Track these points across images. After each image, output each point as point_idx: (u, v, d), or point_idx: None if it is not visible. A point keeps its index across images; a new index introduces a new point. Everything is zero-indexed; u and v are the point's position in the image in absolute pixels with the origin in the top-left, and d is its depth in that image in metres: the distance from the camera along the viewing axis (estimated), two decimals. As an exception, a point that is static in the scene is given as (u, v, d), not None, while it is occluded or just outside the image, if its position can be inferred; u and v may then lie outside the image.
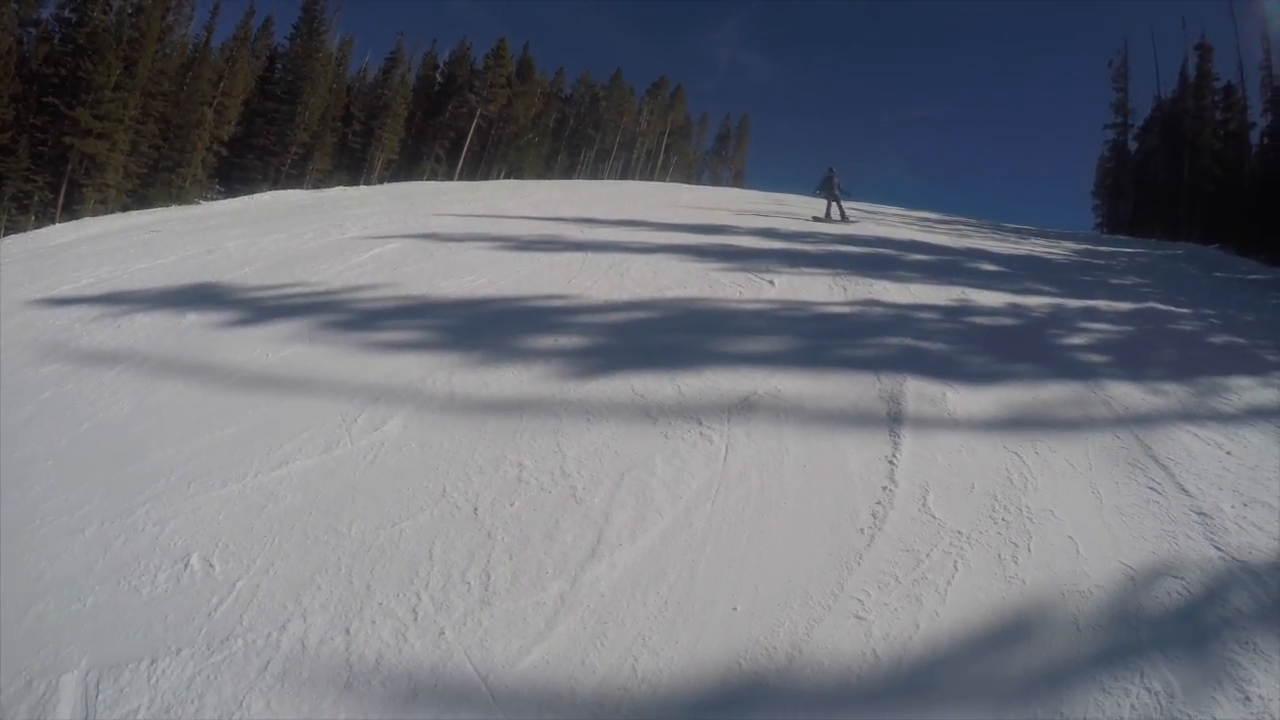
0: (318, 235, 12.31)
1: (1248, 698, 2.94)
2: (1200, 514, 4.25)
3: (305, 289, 8.69)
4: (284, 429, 5.09)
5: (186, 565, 3.67)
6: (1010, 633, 3.27)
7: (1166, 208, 37.81)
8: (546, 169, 58.09)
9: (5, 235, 26.15)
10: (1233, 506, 4.34)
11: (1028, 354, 7.07)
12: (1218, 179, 37.00)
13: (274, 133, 44.38)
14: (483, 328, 7.23)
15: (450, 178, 48.71)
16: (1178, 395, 6.18)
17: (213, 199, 35.82)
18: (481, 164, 53.41)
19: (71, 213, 32.25)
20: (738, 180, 78.32)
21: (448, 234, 12.40)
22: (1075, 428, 5.41)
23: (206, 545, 3.83)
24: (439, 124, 52.36)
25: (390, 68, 52.41)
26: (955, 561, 3.72)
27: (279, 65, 46.90)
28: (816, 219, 18.89)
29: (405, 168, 49.42)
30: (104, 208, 33.86)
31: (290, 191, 29.66)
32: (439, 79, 54.93)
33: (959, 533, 3.97)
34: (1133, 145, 46.47)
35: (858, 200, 24.02)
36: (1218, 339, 8.55)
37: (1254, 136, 37.90)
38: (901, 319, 8.04)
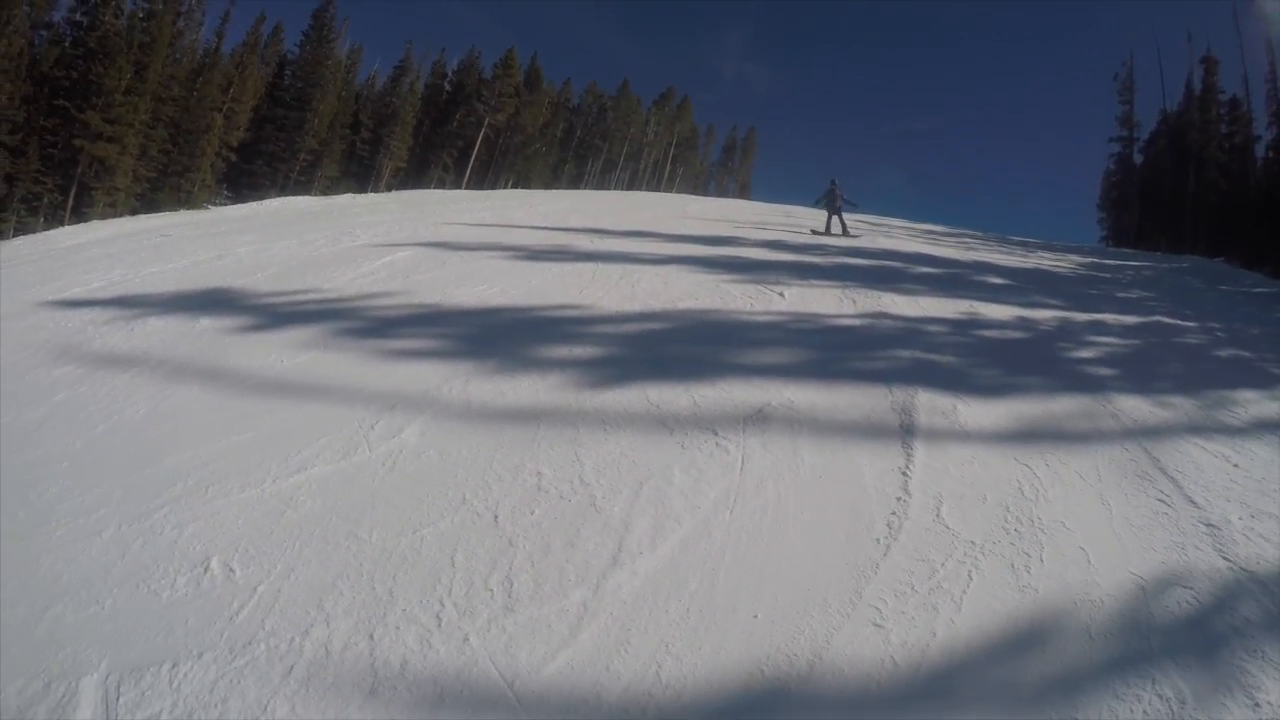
0: (329, 242, 12.30)
1: (1257, 704, 3.01)
2: (1208, 525, 4.31)
3: (318, 295, 8.70)
4: (301, 435, 5.08)
5: (206, 569, 3.67)
6: (1025, 640, 3.33)
7: (1172, 221, 37.84)
8: (554, 178, 58.23)
9: (14, 237, 26.33)
10: (1240, 518, 4.40)
11: (1036, 367, 7.14)
12: (1223, 192, 37.03)
13: (283, 139, 44.51)
14: (496, 336, 7.25)
15: (458, 186, 48.82)
16: (1185, 408, 6.25)
17: (221, 204, 35.93)
18: (489, 173, 53.50)
19: (80, 215, 32.36)
20: (743, 191, 78.71)
21: (459, 243, 12.41)
22: (1084, 440, 5.47)
23: (226, 549, 3.83)
24: (447, 132, 52.49)
25: (399, 76, 52.53)
26: (970, 571, 3.79)
27: (288, 72, 47.12)
28: (815, 232, 18.72)
29: (413, 176, 49.54)
30: (113, 211, 33.99)
31: (299, 198, 29.78)
32: (447, 88, 55.06)
33: (973, 543, 4.03)
34: (1138, 158, 46.53)
35: (863, 212, 24.07)
36: (1224, 352, 8.60)
37: (1259, 150, 38.02)
38: (911, 332, 8.11)
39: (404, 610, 3.43)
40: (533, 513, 4.24)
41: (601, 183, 65.01)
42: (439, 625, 3.35)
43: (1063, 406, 6.09)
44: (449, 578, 3.67)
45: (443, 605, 3.48)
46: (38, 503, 4.21)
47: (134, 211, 33.93)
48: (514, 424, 5.33)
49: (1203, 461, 5.18)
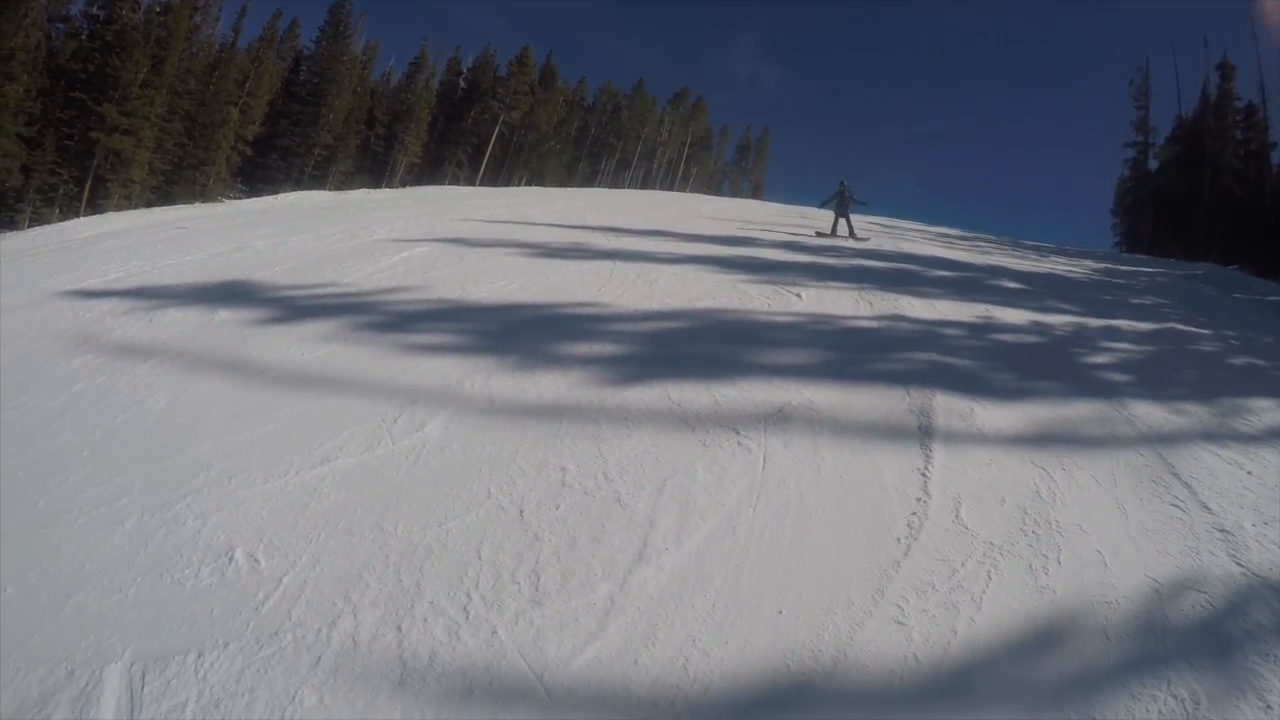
0: (345, 237, 12.28)
1: (1269, 706, 3.07)
2: (1222, 531, 4.37)
3: (337, 289, 8.71)
4: (323, 427, 5.08)
5: (230, 559, 3.68)
6: (1043, 640, 3.39)
7: (1186, 227, 37.71)
8: (568, 176, 58.28)
9: (30, 227, 26.50)
10: (1253, 524, 4.45)
11: (1052, 372, 7.17)
12: (1238, 199, 36.89)
13: (298, 134, 44.74)
14: (516, 333, 7.27)
15: (472, 183, 48.91)
16: (1199, 415, 6.28)
17: (235, 198, 36.00)
18: (503, 170, 53.63)
19: (95, 207, 32.59)
20: (756, 192, 78.66)
21: (476, 239, 12.40)
22: (1100, 445, 5.52)
23: (250, 540, 3.84)
24: (462, 129, 52.64)
25: (414, 72, 52.81)
26: (989, 571, 3.85)
27: (304, 67, 47.38)
28: (820, 234, 18.16)
29: (427, 172, 49.69)
30: (128, 203, 34.24)
31: (314, 192, 29.79)
32: (462, 84, 55.24)
33: (991, 544, 4.09)
34: (1153, 164, 46.39)
35: (876, 214, 24.02)
36: (1238, 360, 8.62)
37: (1275, 157, 37.93)
38: (928, 335, 8.15)
39: (431, 602, 3.45)
40: (558, 507, 4.27)
41: (615, 181, 65.01)
42: (467, 618, 3.37)
43: (1078, 411, 6.13)
44: (475, 571, 3.69)
45: (470, 598, 3.49)
46: (58, 491, 4.23)
47: (149, 204, 34.11)
48: (536, 420, 5.36)
49: (1216, 468, 5.22)
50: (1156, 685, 3.15)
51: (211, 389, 5.75)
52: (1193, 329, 10.22)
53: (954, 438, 5.39)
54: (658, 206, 23.03)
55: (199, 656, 3.06)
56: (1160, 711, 3.03)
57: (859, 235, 18.25)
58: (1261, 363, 8.50)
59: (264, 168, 43.94)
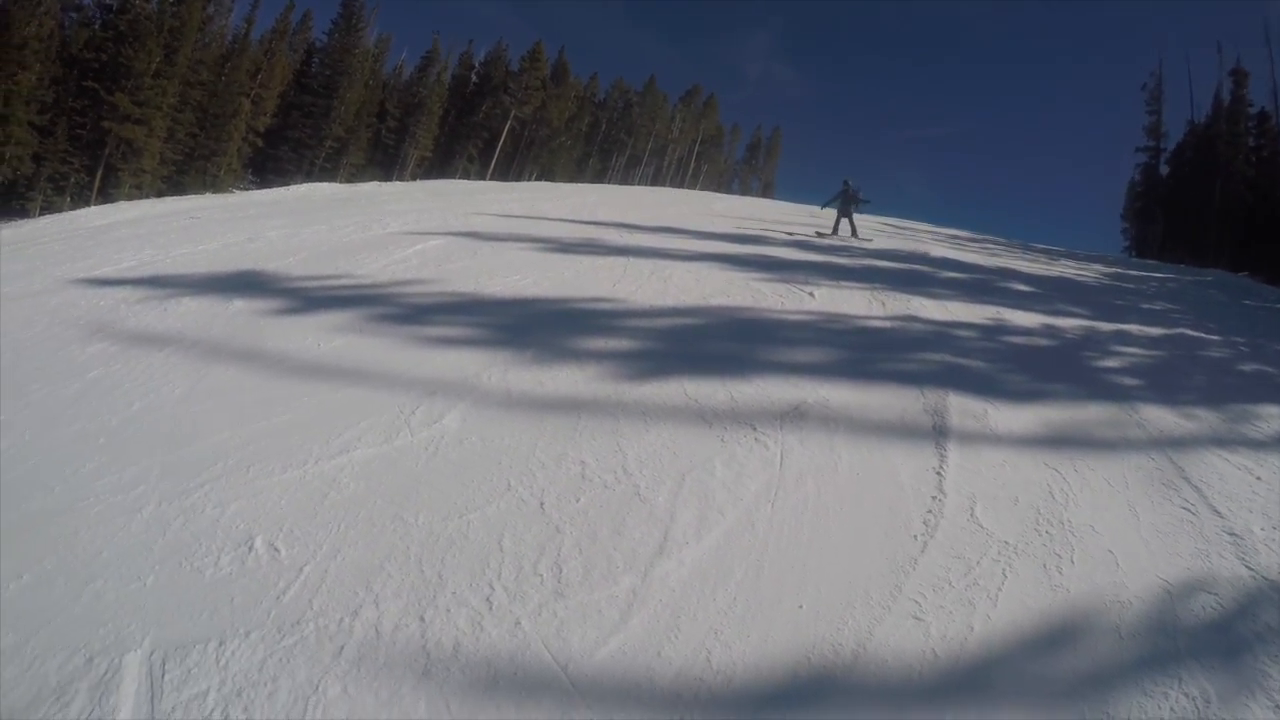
0: (359, 229, 12.28)
1: (1278, 706, 3.14)
2: (1232, 534, 4.43)
3: (352, 281, 8.75)
4: (342, 418, 5.11)
5: (250, 548, 3.70)
6: (1058, 637, 3.46)
7: (1196, 233, 37.63)
8: (578, 172, 58.30)
9: (41, 215, 26.58)
10: (1262, 529, 4.52)
11: (1063, 375, 7.21)
12: (1249, 206, 36.79)
13: (309, 126, 44.82)
14: (532, 327, 7.31)
15: (482, 177, 49.02)
16: (1209, 420, 6.33)
17: (246, 189, 36.08)
18: (513, 165, 53.69)
19: (106, 196, 32.61)
20: (766, 191, 78.81)
21: (489, 233, 12.43)
22: (1111, 448, 5.58)
23: (270, 529, 3.86)
24: (473, 123, 52.68)
25: (426, 66, 52.80)
26: (1004, 569, 3.91)
27: (316, 60, 47.44)
28: (820, 234, 17.44)
29: (438, 166, 49.74)
30: (139, 192, 34.30)
31: (325, 184, 29.80)
32: (474, 79, 55.27)
33: (1006, 543, 4.16)
34: (1164, 169, 46.23)
35: (887, 215, 23.98)
36: (1247, 367, 8.63)
37: (1287, 164, 37.76)
38: (940, 335, 8.19)
39: (454, 593, 3.49)
40: (578, 500, 4.32)
41: (626, 178, 65.03)
42: (490, 609, 3.40)
43: (1090, 414, 6.19)
44: (498, 562, 3.73)
45: (493, 589, 3.53)
46: (74, 478, 4.24)
47: (159, 194, 34.18)
48: (554, 413, 5.41)
49: (1226, 473, 5.28)
50: (1168, 683, 3.22)
51: (228, 378, 5.77)
52: (1202, 335, 10.23)
53: (968, 438, 5.45)
54: (669, 204, 23.00)
55: (220, 645, 3.08)
56: (1172, 709, 3.09)
57: (861, 236, 17.74)
58: (1271, 370, 8.52)
59: (275, 159, 44.04)
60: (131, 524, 3.84)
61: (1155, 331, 10.04)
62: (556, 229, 13.75)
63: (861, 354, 7.24)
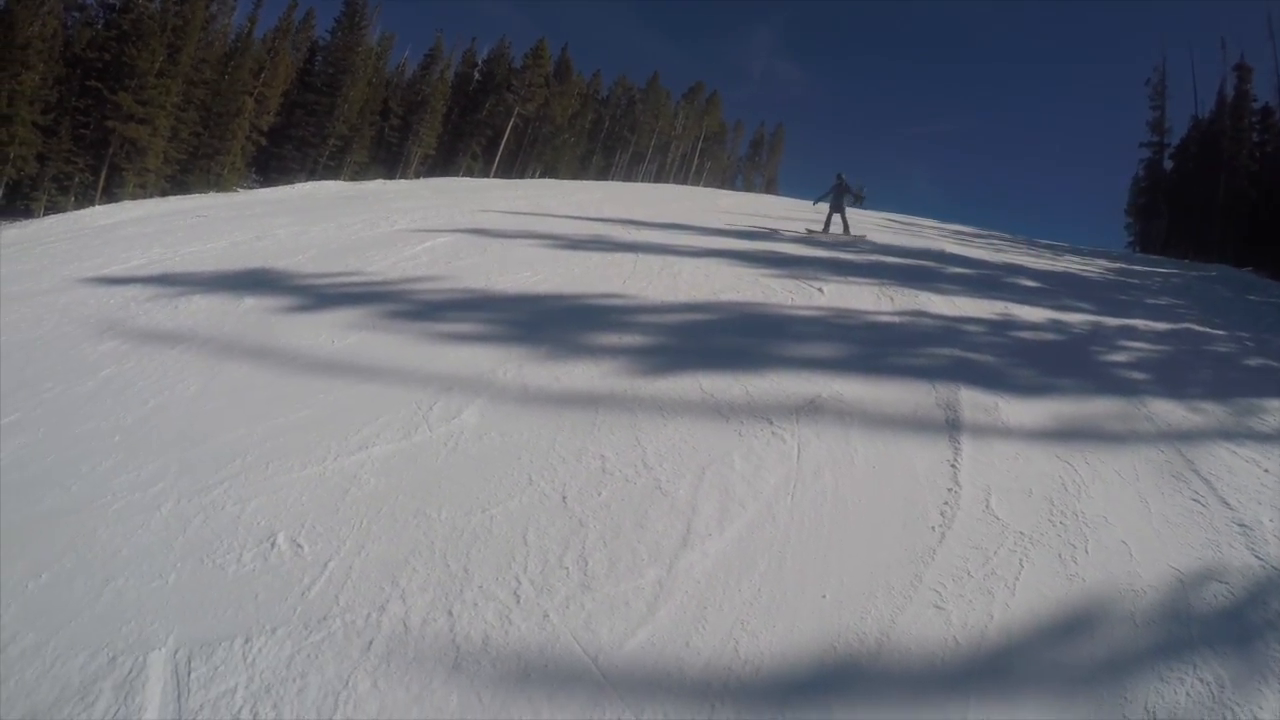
0: (366, 226, 12.32)
1: (1291, 692, 3.20)
2: (1241, 525, 4.51)
3: (362, 278, 8.79)
4: (359, 414, 5.14)
5: (273, 545, 3.70)
6: (1075, 625, 3.54)
7: (1200, 228, 37.58)
8: (581, 169, 58.27)
9: (45, 215, 26.62)
10: (1271, 520, 4.59)
11: (1072, 369, 7.28)
12: (1253, 201, 36.73)
13: (313, 124, 44.84)
14: (545, 323, 7.36)
15: (486, 174, 49.01)
16: (1216, 414, 6.39)
17: (250, 187, 36.08)
18: (517, 162, 53.69)
19: (111, 195, 32.59)
20: (770, 187, 78.63)
21: (497, 230, 12.46)
22: (1121, 441, 5.65)
23: (292, 525, 3.87)
24: (476, 121, 52.68)
25: (429, 64, 52.84)
26: (1021, 559, 3.98)
27: (319, 58, 47.48)
28: (811, 232, 16.21)
29: (441, 163, 49.75)
30: (143, 192, 34.30)
31: (329, 182, 29.79)
32: (477, 76, 55.26)
33: (1021, 533, 4.23)
34: (1168, 164, 46.13)
35: (893, 212, 23.93)
36: (1252, 361, 8.68)
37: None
38: (949, 330, 8.26)
39: (480, 587, 3.52)
40: (600, 494, 4.37)
41: (629, 174, 64.97)
42: (517, 602, 3.44)
43: (1099, 408, 6.25)
44: (523, 556, 3.77)
45: (519, 582, 3.57)
46: (90, 476, 4.25)
47: (164, 193, 34.17)
48: (572, 408, 5.47)
49: (1234, 465, 5.35)
50: (1184, 669, 3.30)
51: (242, 375, 5.81)
52: (1208, 330, 10.27)
53: (980, 431, 5.52)
54: (673, 200, 23.01)
55: (246, 642, 3.09)
56: (1188, 693, 3.17)
57: (853, 233, 16.36)
58: (1276, 364, 8.57)
59: (279, 158, 44.08)
60: (151, 521, 3.86)
61: (1161, 326, 10.09)
62: (563, 225, 13.78)
63: (872, 348, 7.31)
